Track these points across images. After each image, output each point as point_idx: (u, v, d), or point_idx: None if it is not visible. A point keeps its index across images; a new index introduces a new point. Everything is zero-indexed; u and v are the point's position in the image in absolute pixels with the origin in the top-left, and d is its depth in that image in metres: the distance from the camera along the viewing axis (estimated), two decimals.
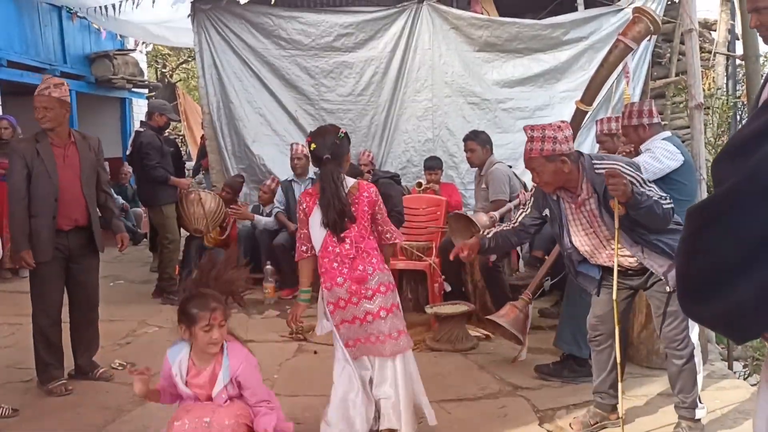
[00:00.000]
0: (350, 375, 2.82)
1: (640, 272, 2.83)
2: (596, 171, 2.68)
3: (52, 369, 3.65)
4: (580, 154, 2.76)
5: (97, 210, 3.86)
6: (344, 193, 2.77)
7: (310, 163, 5.97)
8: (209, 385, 2.50)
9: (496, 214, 4.36)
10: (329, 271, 2.80)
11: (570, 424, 3.04)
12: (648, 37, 2.85)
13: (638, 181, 2.59)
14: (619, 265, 2.74)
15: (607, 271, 2.85)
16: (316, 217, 2.81)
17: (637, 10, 2.97)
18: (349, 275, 2.77)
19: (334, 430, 2.77)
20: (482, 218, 4.26)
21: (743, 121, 7.18)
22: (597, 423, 3.02)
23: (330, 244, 2.80)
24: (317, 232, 2.83)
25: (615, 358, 2.88)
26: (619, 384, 2.89)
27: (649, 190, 2.60)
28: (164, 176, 5.63)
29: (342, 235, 2.77)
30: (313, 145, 2.84)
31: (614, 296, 2.73)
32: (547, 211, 2.89)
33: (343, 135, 2.87)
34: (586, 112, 3.04)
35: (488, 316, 4.18)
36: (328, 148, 2.80)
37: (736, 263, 0.94)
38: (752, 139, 0.99)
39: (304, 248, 2.91)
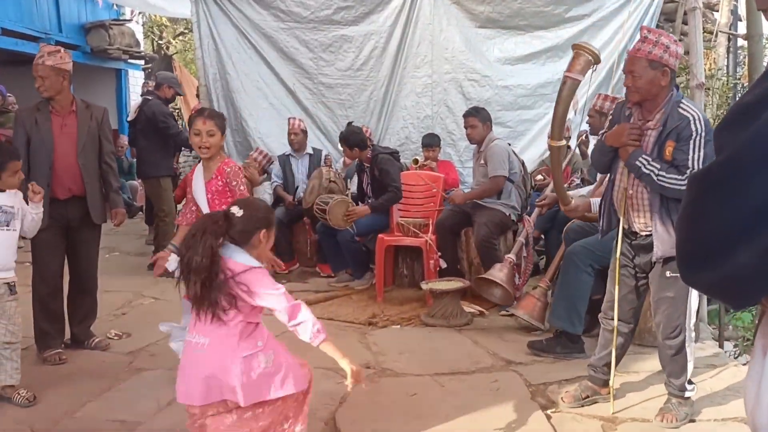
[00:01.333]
0: None
1: (646, 247, 2.82)
2: (679, 108, 2.67)
3: (49, 338, 3.65)
4: (677, 86, 2.76)
5: (99, 181, 3.82)
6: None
7: (307, 138, 6.03)
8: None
9: (513, 256, 4.33)
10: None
11: (561, 398, 3.07)
12: (593, 68, 3.10)
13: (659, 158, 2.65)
14: (629, 227, 2.78)
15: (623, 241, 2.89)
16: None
17: (575, 46, 3.14)
18: None
19: None
20: (497, 273, 4.25)
21: None
22: (588, 397, 3.04)
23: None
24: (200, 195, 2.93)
25: (630, 337, 3.01)
26: (612, 359, 2.92)
27: (659, 167, 2.62)
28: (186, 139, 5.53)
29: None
30: None
31: (619, 241, 2.80)
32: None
33: None
34: (560, 147, 3.21)
35: (508, 308, 4.23)
36: None
37: (736, 230, 0.94)
38: (753, 105, 0.98)
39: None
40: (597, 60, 3.07)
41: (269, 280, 2.11)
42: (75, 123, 3.70)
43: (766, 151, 0.92)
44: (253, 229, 2.16)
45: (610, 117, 3.04)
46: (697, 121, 2.65)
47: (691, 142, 2.61)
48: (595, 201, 3.51)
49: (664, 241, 2.69)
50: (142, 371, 3.52)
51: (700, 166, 2.59)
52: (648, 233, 2.79)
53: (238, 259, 2.09)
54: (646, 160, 2.68)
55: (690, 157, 2.61)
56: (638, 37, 2.75)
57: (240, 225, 2.12)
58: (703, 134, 2.62)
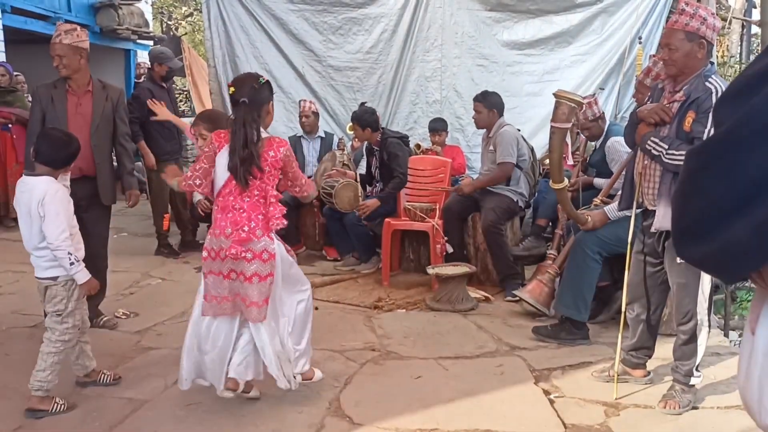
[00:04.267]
0: (203, 327, 2.80)
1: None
2: (706, 81, 2.66)
3: None
4: (712, 61, 2.75)
5: (110, 162, 3.82)
6: (254, 141, 2.67)
7: (319, 121, 6.00)
8: None
9: (554, 252, 4.24)
10: (221, 219, 2.73)
11: (592, 373, 3.16)
12: (577, 111, 3.29)
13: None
14: (642, 201, 2.83)
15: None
16: (222, 158, 2.74)
17: (555, 95, 3.23)
18: (235, 233, 2.68)
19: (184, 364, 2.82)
20: (537, 297, 4.11)
21: None
22: (619, 376, 3.09)
23: (230, 189, 2.72)
24: (221, 174, 2.75)
25: (647, 324, 3.04)
26: (618, 343, 2.93)
27: (668, 146, 2.64)
28: (134, 132, 5.26)
29: (246, 184, 2.68)
30: (231, 89, 2.75)
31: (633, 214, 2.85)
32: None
33: (264, 81, 2.80)
34: (564, 188, 3.36)
35: (515, 291, 4.23)
36: (245, 92, 2.72)
37: (732, 204, 0.95)
38: (753, 80, 0.98)
39: (198, 182, 2.82)
40: (579, 105, 3.23)
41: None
42: (90, 103, 3.71)
43: (765, 125, 0.92)
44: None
45: (650, 94, 3.04)
46: (717, 93, 2.64)
47: (710, 114, 2.60)
48: (610, 208, 3.53)
49: (662, 212, 2.72)
50: (150, 350, 3.56)
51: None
52: (654, 209, 2.81)
53: None
54: (654, 142, 2.70)
55: (707, 130, 2.59)
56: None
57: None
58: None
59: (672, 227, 1.08)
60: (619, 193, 3.28)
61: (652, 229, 2.81)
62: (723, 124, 1.00)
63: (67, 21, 8.55)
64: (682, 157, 2.55)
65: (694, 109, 2.64)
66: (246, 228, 2.69)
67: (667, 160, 2.64)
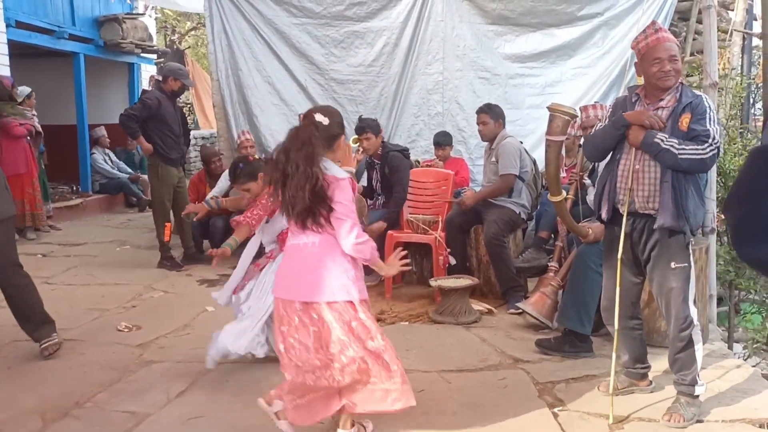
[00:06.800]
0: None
1: (647, 225, 2.84)
2: (689, 90, 2.83)
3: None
4: None
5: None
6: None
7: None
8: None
9: (555, 264, 4.25)
10: None
11: (598, 387, 3.16)
12: (571, 124, 3.34)
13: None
14: (632, 204, 2.84)
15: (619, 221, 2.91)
16: None
17: (549, 108, 3.27)
18: None
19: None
20: (539, 309, 4.12)
21: (756, 103, 7.09)
22: (625, 387, 3.13)
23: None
24: None
25: (640, 336, 3.10)
26: (613, 357, 2.92)
27: (678, 142, 2.69)
28: (132, 129, 5.48)
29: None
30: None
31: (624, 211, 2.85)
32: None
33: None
34: (563, 201, 3.41)
35: (518, 304, 4.22)
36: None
37: None
38: None
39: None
40: (572, 117, 3.27)
41: (350, 192, 2.31)
42: None
43: None
44: (337, 134, 2.37)
45: (610, 109, 3.08)
46: (708, 100, 2.80)
47: (707, 115, 2.73)
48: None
49: (667, 211, 2.74)
50: (152, 363, 3.55)
51: (719, 137, 2.70)
52: (647, 212, 2.82)
53: (329, 170, 2.29)
54: (663, 137, 2.74)
55: (710, 128, 2.70)
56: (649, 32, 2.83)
57: (325, 132, 2.30)
58: (714, 111, 2.78)
59: (734, 229, 1.05)
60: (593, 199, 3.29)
61: (655, 225, 2.80)
62: None
63: (71, 35, 8.63)
64: (694, 152, 2.66)
65: (689, 111, 2.75)
66: None
67: (679, 155, 2.68)
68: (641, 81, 4.31)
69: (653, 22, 2.94)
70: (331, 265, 2.38)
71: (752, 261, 1.04)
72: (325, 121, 2.34)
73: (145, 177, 8.93)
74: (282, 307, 2.46)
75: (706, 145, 2.67)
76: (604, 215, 3.01)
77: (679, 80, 2.84)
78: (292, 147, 2.28)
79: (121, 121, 5.54)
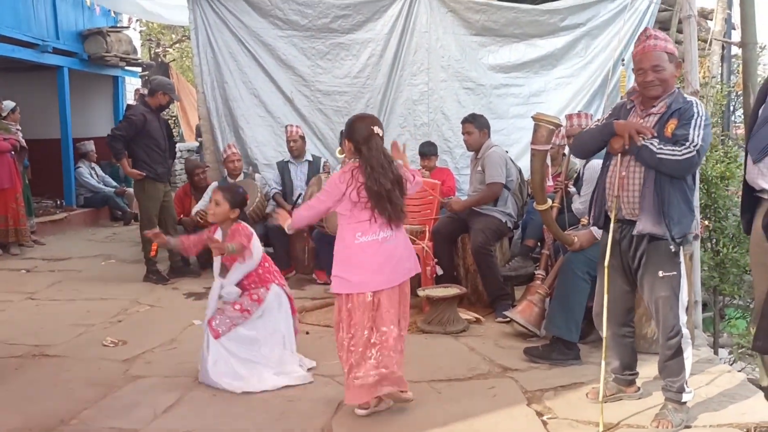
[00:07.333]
0: None
1: (630, 238, 2.86)
2: (683, 96, 2.82)
3: None
4: None
5: None
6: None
7: (306, 145, 6.03)
8: None
9: (542, 272, 4.24)
10: None
11: (587, 394, 3.16)
12: (555, 133, 3.44)
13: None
14: (618, 212, 2.86)
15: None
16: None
17: (534, 118, 3.32)
18: None
19: None
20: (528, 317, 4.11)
21: (736, 111, 7.21)
22: (613, 394, 3.12)
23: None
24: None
25: (631, 344, 3.14)
26: (602, 365, 2.93)
27: (657, 143, 2.72)
28: (117, 150, 5.49)
29: None
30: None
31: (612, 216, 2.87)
32: None
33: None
34: (549, 209, 3.45)
35: (506, 312, 4.23)
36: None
37: None
38: None
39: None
40: (557, 126, 3.32)
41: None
42: None
43: None
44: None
45: (608, 114, 3.09)
46: (699, 106, 2.78)
47: (693, 121, 2.73)
48: (597, 228, 3.55)
49: (648, 216, 2.76)
50: (138, 378, 3.51)
51: (701, 142, 2.69)
52: (634, 219, 2.83)
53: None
54: (648, 140, 2.75)
55: (690, 132, 2.70)
56: (632, 46, 2.83)
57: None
58: (703, 117, 2.75)
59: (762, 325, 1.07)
60: (597, 232, 3.32)
61: (635, 232, 2.82)
62: None
63: (55, 48, 8.59)
64: (670, 153, 2.69)
65: (676, 117, 2.76)
66: None
67: (657, 154, 2.70)
68: (624, 89, 4.38)
69: (645, 29, 2.93)
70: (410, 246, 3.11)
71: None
72: (381, 132, 2.99)
73: (131, 190, 8.88)
74: (386, 296, 2.92)
75: (683, 147, 2.68)
76: (593, 222, 3.04)
77: (674, 87, 2.83)
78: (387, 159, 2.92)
79: (108, 142, 5.58)
